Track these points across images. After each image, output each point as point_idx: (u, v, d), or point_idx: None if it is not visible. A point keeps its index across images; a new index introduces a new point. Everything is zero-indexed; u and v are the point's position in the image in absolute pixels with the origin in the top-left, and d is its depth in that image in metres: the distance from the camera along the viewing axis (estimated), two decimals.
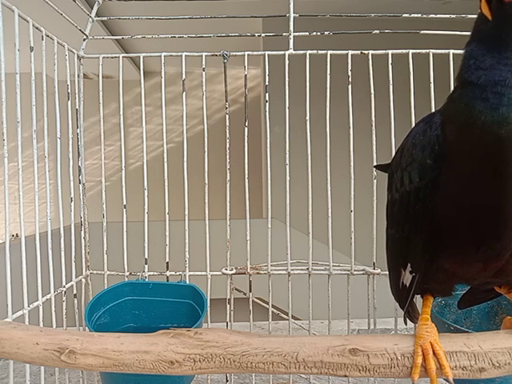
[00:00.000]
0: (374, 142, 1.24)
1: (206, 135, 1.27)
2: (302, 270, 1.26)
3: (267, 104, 1.25)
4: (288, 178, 1.23)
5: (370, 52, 1.24)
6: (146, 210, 1.28)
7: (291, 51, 1.24)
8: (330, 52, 1.23)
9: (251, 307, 1.30)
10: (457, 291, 0.73)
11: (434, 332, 0.61)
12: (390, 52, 1.23)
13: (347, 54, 1.24)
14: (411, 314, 0.72)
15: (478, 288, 0.77)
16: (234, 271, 1.27)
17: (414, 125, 1.24)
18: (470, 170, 0.54)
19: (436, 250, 0.60)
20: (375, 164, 0.88)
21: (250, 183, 1.27)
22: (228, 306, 1.28)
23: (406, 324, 0.72)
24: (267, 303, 1.31)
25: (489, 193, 0.54)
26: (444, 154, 0.56)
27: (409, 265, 0.64)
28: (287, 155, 1.24)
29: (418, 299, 0.70)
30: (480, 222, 0.55)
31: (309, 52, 1.24)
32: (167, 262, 1.28)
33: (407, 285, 0.66)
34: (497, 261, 0.58)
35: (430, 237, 0.59)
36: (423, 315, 0.65)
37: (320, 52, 1.24)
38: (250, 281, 1.29)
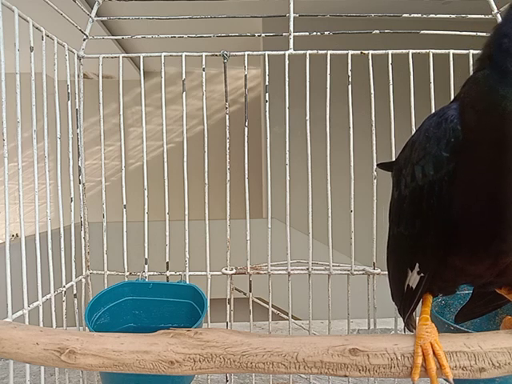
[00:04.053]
0: (374, 142, 1.24)
1: (206, 135, 1.27)
2: (301, 270, 1.26)
3: (267, 104, 1.25)
4: (288, 178, 1.23)
5: (370, 52, 1.24)
6: (146, 210, 1.28)
7: (291, 51, 1.24)
8: (329, 52, 1.23)
9: (251, 307, 1.30)
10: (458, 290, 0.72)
11: (434, 332, 0.61)
12: (389, 52, 1.23)
13: (347, 54, 1.24)
14: (409, 322, 0.70)
15: (480, 290, 0.76)
16: (234, 271, 1.27)
17: (414, 125, 1.25)
18: (490, 159, 0.52)
19: (448, 246, 0.58)
20: (377, 163, 0.87)
21: (250, 183, 1.27)
22: (228, 306, 1.27)
23: (409, 330, 0.71)
24: (267, 303, 1.31)
25: (507, 183, 0.52)
26: (461, 145, 0.54)
27: (417, 265, 0.62)
28: (287, 155, 1.23)
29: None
30: (496, 214, 0.54)
31: (309, 52, 1.24)
32: (167, 262, 1.28)
33: (413, 287, 0.64)
34: (508, 256, 0.57)
35: (444, 232, 0.58)
36: (423, 315, 0.64)
37: (320, 52, 1.24)
38: (250, 281, 1.29)
